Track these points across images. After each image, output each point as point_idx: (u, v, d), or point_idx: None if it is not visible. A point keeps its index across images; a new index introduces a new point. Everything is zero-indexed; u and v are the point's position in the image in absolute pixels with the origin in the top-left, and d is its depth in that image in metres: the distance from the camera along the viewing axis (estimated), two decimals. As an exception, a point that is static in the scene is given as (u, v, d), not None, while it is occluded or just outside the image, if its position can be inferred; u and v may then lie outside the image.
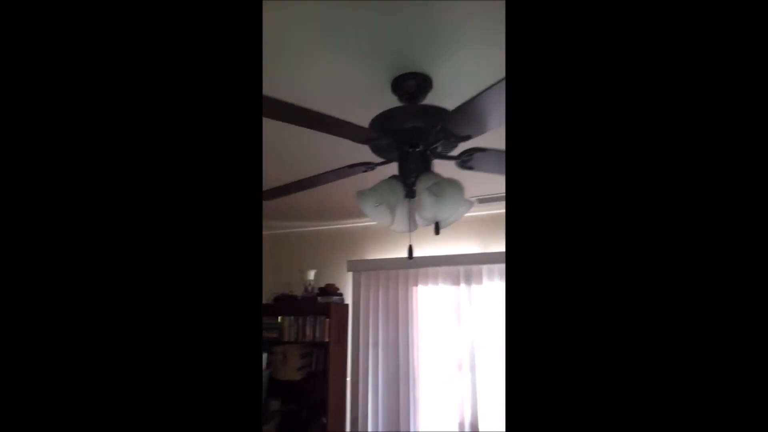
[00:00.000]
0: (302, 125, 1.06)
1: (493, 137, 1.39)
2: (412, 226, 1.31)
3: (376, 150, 1.31)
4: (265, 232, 3.76)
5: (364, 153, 1.50)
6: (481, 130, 1.12)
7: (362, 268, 3.23)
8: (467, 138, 1.17)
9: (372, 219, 1.26)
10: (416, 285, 3.07)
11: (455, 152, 1.31)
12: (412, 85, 1.27)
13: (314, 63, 1.20)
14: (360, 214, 3.10)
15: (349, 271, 3.27)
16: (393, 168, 1.36)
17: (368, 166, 1.32)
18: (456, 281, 2.96)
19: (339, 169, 1.33)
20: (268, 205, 2.83)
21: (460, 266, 2.95)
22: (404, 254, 3.13)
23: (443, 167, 1.60)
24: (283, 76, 1.26)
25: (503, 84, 0.86)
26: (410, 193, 1.23)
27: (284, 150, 1.88)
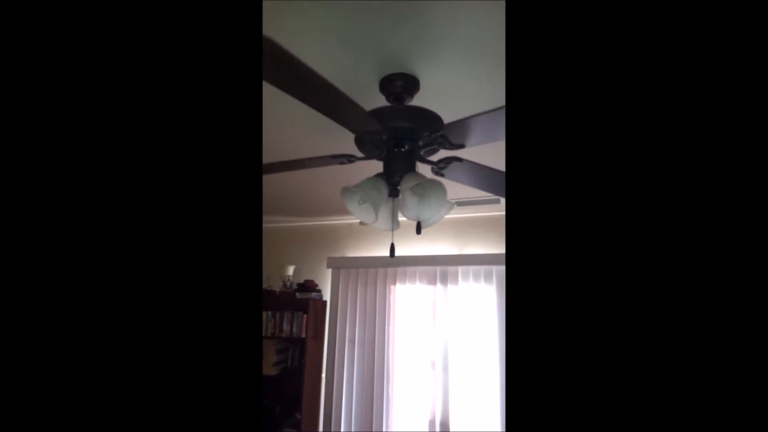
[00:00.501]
0: (301, 94, 0.95)
1: (474, 150, 1.44)
2: (395, 224, 1.34)
3: (360, 147, 1.33)
4: (244, 226, 3.72)
5: (345, 148, 1.52)
6: (471, 143, 1.16)
7: (342, 266, 3.25)
8: (460, 146, 1.21)
9: (355, 216, 1.28)
10: (394, 284, 3.11)
11: (435, 157, 1.34)
12: (399, 85, 1.30)
13: (301, 55, 1.21)
14: (341, 211, 3.11)
15: (328, 267, 3.28)
16: (376, 166, 1.38)
17: (348, 158, 1.33)
18: (432, 281, 3.01)
19: (320, 157, 1.33)
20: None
21: (437, 267, 3.00)
22: (383, 253, 3.16)
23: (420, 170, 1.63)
24: (272, 71, 1.27)
25: (501, 111, 0.90)
26: (394, 192, 1.26)
27: (268, 137, 1.87)
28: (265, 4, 0.99)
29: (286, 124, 1.65)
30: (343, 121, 1.12)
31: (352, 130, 1.20)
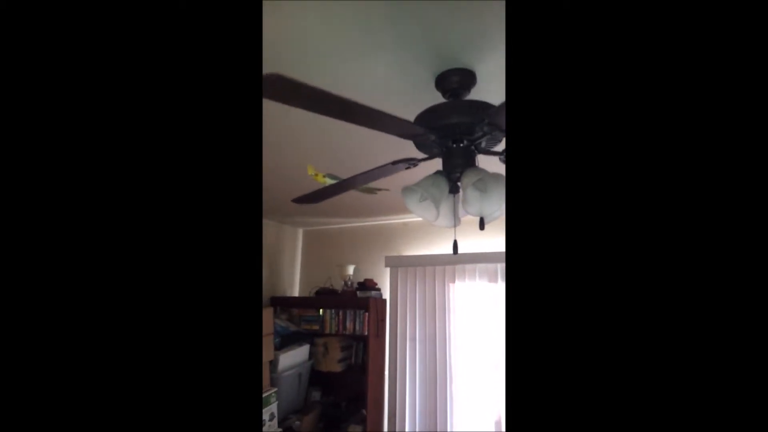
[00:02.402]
0: (346, 119, 1.06)
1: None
2: (456, 221, 1.33)
3: (419, 146, 1.34)
4: (304, 228, 3.87)
5: (403, 149, 1.53)
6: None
7: (399, 264, 3.27)
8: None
9: (416, 214, 1.29)
10: (453, 281, 3.08)
11: (499, 148, 1.31)
12: (455, 80, 1.29)
13: (356, 60, 1.24)
14: (397, 211, 3.14)
15: (386, 266, 3.32)
16: (436, 164, 1.38)
17: (411, 162, 1.34)
18: (493, 278, 2.94)
19: (383, 166, 1.35)
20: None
21: (498, 263, 2.93)
22: (439, 250, 3.14)
23: (487, 162, 1.60)
24: (326, 75, 1.31)
25: None
26: (454, 188, 1.25)
27: (323, 149, 1.93)
28: (311, 8, 1.03)
29: (337, 131, 1.69)
30: (392, 131, 1.18)
31: (402, 137, 1.22)
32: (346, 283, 3.27)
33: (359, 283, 3.22)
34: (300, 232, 3.90)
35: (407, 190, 1.23)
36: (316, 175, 1.49)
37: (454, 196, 1.29)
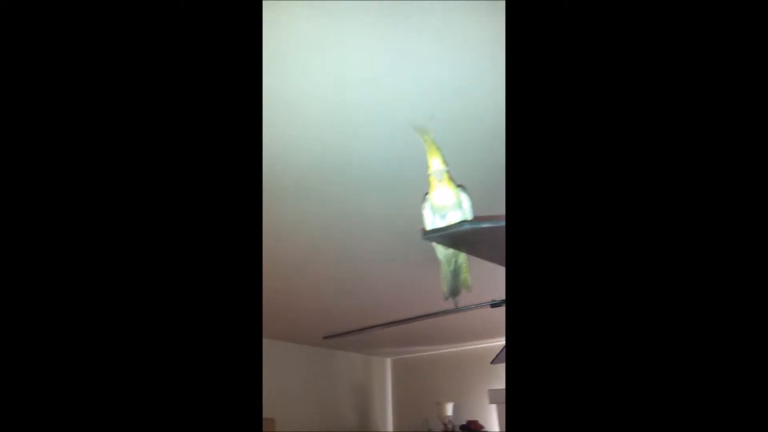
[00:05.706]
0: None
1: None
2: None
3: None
4: (393, 357, 3.61)
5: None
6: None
7: (508, 400, 2.74)
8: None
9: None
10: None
11: None
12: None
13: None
14: (500, 332, 2.75)
15: (491, 402, 2.82)
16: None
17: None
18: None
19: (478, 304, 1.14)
20: (393, 329, 2.67)
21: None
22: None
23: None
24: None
25: None
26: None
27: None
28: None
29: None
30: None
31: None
32: (446, 427, 2.80)
33: (462, 427, 2.76)
34: (388, 362, 3.60)
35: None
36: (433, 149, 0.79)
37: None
